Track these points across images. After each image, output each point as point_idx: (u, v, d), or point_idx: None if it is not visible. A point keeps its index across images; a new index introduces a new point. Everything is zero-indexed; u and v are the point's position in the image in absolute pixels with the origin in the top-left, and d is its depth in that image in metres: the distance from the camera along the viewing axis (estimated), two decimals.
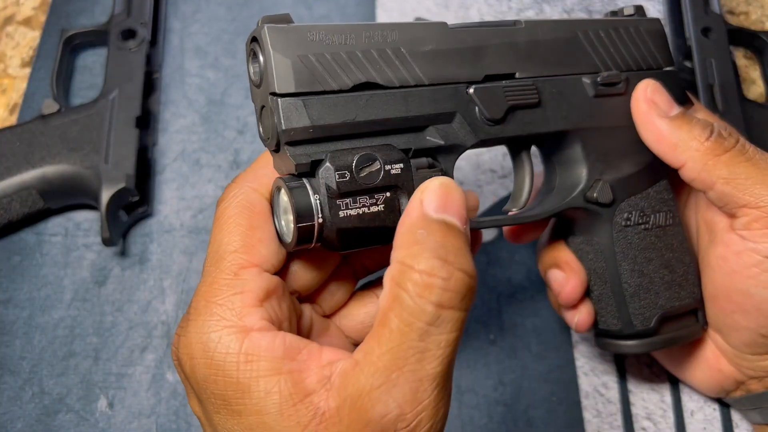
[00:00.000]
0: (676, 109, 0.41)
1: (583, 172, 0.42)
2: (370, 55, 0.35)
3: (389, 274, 0.31)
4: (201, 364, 0.32)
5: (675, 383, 0.51)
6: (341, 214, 0.34)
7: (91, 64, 0.63)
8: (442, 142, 0.37)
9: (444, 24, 0.38)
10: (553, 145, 0.42)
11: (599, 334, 0.46)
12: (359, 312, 0.41)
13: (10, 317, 0.52)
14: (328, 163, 0.34)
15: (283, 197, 0.35)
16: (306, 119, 0.33)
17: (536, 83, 0.40)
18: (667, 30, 0.63)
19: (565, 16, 0.65)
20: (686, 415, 0.50)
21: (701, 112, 0.45)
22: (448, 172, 0.37)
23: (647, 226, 0.43)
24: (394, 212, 0.35)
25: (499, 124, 0.38)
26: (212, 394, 0.32)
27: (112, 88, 0.57)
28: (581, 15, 0.65)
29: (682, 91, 0.45)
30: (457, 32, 0.38)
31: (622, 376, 0.51)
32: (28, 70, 0.63)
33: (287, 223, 0.35)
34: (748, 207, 0.40)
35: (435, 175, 0.35)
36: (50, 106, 0.56)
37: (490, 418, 0.49)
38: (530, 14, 0.66)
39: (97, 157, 0.54)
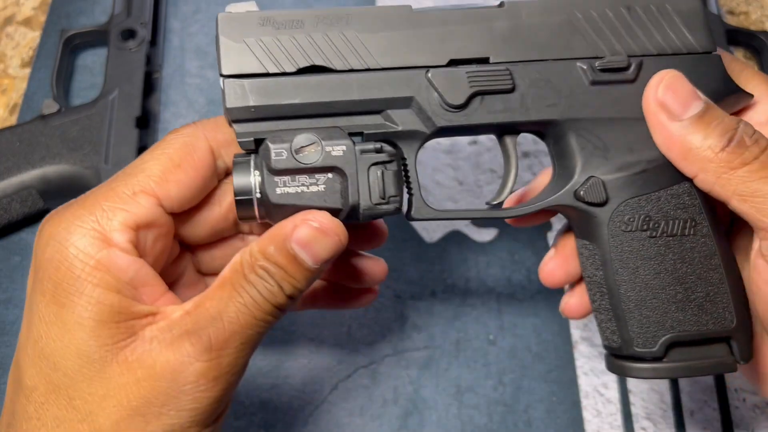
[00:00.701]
0: (693, 109, 0.35)
1: (576, 167, 0.38)
2: (320, 39, 0.36)
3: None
4: (55, 247, 0.33)
5: (675, 383, 0.51)
6: (278, 191, 0.35)
7: (91, 64, 0.63)
8: (398, 128, 0.37)
9: (408, 7, 0.37)
10: (549, 135, 0.40)
11: (606, 349, 0.42)
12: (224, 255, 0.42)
13: (10, 317, 0.52)
14: (267, 142, 0.35)
15: None
16: (248, 100, 0.36)
17: (511, 68, 0.37)
18: None
19: None
20: (686, 415, 0.50)
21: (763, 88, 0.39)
22: (408, 159, 0.37)
23: (654, 233, 0.38)
24: (335, 193, 0.36)
25: (461, 111, 0.37)
26: (48, 277, 0.33)
27: (112, 89, 0.57)
28: None
29: (723, 79, 0.38)
30: (422, 15, 0.37)
31: (622, 377, 0.51)
32: (28, 71, 0.63)
33: None
34: (766, 231, 0.35)
35: (381, 160, 0.36)
36: (50, 106, 0.56)
37: (489, 418, 0.50)
38: None
39: (97, 157, 0.54)
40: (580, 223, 0.40)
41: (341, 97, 0.36)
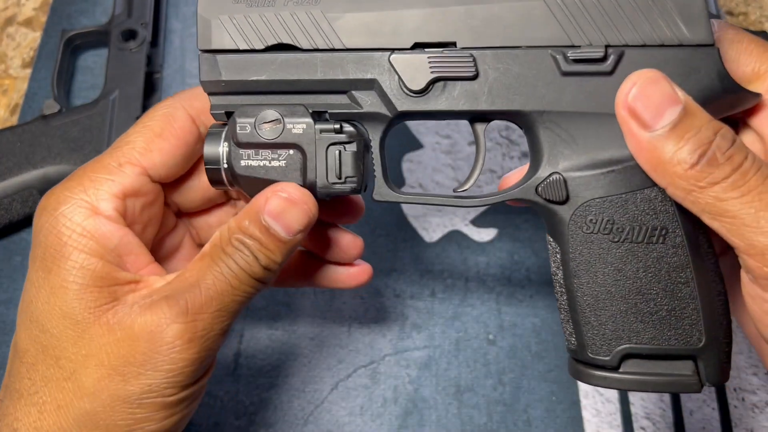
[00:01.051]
0: (667, 117, 0.32)
1: (542, 161, 0.36)
2: (288, 18, 0.37)
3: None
4: (45, 217, 0.36)
5: None
6: (242, 163, 0.37)
7: (92, 64, 0.63)
8: (362, 109, 0.37)
9: None
10: (521, 125, 0.38)
11: (567, 350, 0.40)
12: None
13: (10, 317, 0.52)
14: (234, 115, 0.37)
15: None
16: (219, 74, 0.37)
17: (476, 55, 0.36)
18: None
19: None
20: (685, 414, 0.50)
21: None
22: (373, 141, 0.38)
23: (617, 237, 0.35)
24: (295, 170, 0.37)
25: (422, 96, 0.37)
26: (38, 244, 0.36)
27: (113, 89, 0.57)
28: None
29: (719, 76, 0.35)
30: None
31: None
32: (28, 71, 0.64)
33: None
34: (739, 251, 0.32)
35: (339, 140, 0.37)
36: (51, 106, 0.56)
37: (489, 418, 0.50)
38: None
39: None
40: (545, 218, 0.38)
41: (305, 76, 0.37)
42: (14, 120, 0.61)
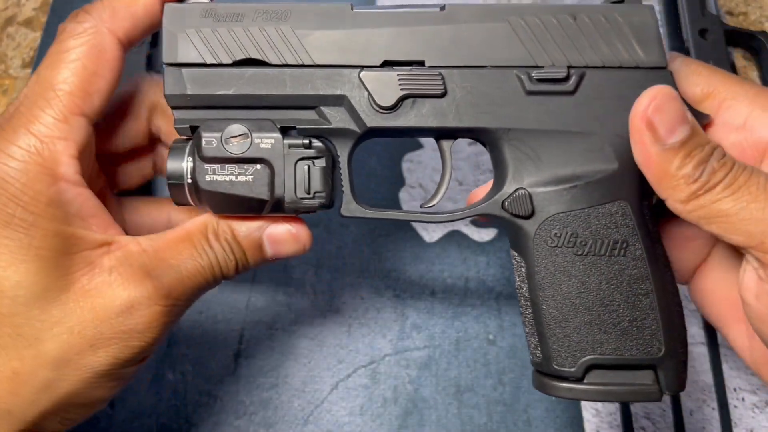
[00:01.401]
0: (678, 135, 0.34)
1: (507, 177, 0.38)
2: (257, 33, 0.37)
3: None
4: (1, 183, 0.33)
5: None
6: (207, 178, 0.37)
7: None
8: (330, 125, 0.37)
9: (347, 6, 0.38)
10: (486, 142, 0.39)
11: (531, 363, 0.41)
12: (150, 211, 0.43)
13: None
14: (200, 130, 0.37)
15: None
16: (184, 88, 0.37)
17: (445, 73, 0.37)
18: (664, 32, 0.63)
19: None
20: (685, 414, 0.50)
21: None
22: (341, 157, 0.38)
23: (580, 251, 0.37)
24: (263, 186, 0.37)
25: (391, 112, 0.37)
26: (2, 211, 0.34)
27: None
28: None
29: None
30: (361, 14, 0.37)
31: None
32: (28, 71, 0.64)
33: None
34: (742, 247, 0.34)
35: (308, 155, 0.37)
36: None
37: (489, 418, 0.50)
38: None
39: None
40: (510, 233, 0.39)
41: (274, 91, 0.37)
42: None
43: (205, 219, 0.38)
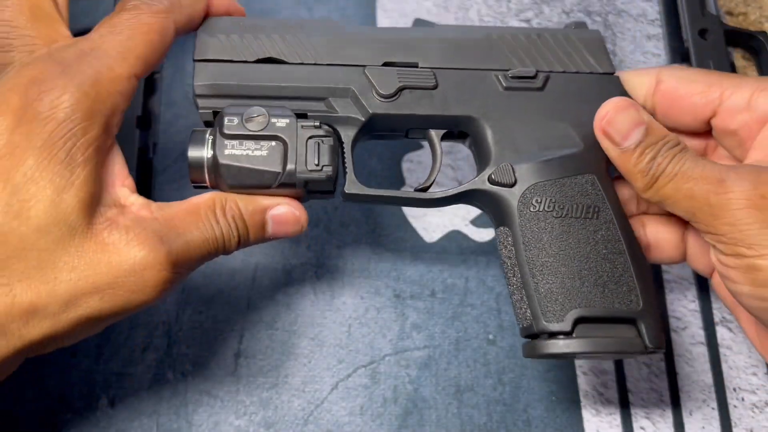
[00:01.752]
0: (632, 138, 0.41)
1: (491, 159, 0.44)
2: (278, 39, 0.44)
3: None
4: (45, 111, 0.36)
5: (674, 382, 0.51)
6: (227, 152, 0.41)
7: None
8: (337, 113, 0.44)
9: (342, 26, 0.46)
10: (470, 134, 0.45)
11: (521, 334, 0.44)
12: None
13: None
14: (223, 111, 0.42)
15: None
16: (210, 78, 0.43)
17: (435, 71, 0.45)
18: (664, 32, 0.63)
19: (564, 18, 0.65)
20: (685, 414, 0.50)
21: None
22: (345, 142, 0.44)
23: (560, 213, 0.42)
24: (276, 160, 0.41)
25: (391, 100, 0.44)
26: (38, 134, 0.36)
27: None
28: (580, 15, 0.65)
29: (620, 95, 0.44)
30: (364, 27, 0.47)
31: (621, 376, 0.51)
32: None
33: None
34: (690, 221, 0.41)
35: (318, 134, 0.42)
36: None
37: (489, 417, 0.50)
38: (529, 15, 0.66)
39: None
40: (495, 209, 0.44)
41: (290, 83, 0.43)
42: None
43: (213, 195, 0.41)
